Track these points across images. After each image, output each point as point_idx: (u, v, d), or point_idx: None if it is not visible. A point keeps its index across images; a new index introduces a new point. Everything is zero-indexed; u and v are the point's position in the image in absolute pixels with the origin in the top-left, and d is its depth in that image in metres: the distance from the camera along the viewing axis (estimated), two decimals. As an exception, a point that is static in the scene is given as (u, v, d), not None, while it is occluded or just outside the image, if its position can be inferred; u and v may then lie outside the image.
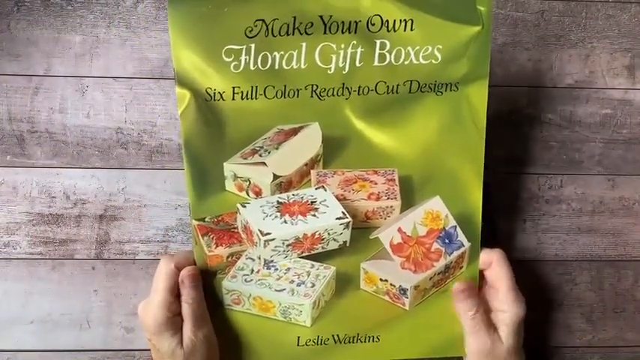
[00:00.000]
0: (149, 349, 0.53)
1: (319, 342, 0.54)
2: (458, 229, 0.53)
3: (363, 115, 0.51)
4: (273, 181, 0.52)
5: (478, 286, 0.54)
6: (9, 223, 0.63)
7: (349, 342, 0.54)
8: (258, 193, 0.53)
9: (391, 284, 0.53)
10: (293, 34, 0.49)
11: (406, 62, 0.50)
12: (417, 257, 0.53)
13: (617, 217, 0.66)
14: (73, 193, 0.63)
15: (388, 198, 0.53)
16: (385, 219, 0.53)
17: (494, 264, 0.52)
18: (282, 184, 0.53)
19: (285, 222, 0.51)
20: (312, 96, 0.50)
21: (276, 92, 0.50)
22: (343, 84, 0.50)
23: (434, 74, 0.50)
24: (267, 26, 0.48)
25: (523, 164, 0.65)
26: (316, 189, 0.53)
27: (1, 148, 0.63)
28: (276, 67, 0.49)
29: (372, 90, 0.50)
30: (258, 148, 0.51)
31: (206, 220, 0.52)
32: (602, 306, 0.65)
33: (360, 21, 0.49)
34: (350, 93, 0.50)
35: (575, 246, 0.65)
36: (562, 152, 0.65)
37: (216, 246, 0.52)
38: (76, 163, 0.63)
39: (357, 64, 0.50)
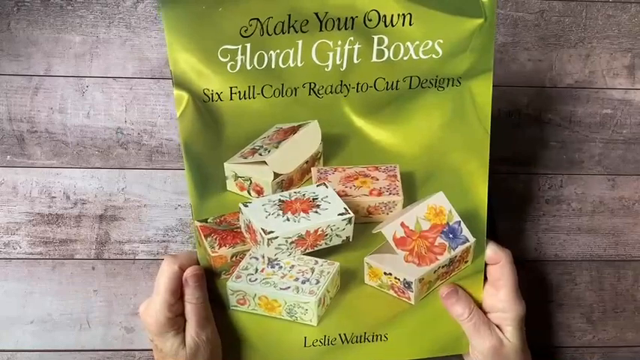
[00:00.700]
0: (149, 349, 0.52)
1: (326, 342, 0.53)
2: (462, 224, 0.52)
3: (362, 112, 0.50)
4: (274, 179, 0.52)
5: (483, 279, 0.53)
6: (9, 223, 0.63)
7: (356, 341, 0.53)
8: (259, 192, 0.53)
9: (395, 278, 0.52)
10: (288, 32, 0.48)
11: (405, 58, 0.49)
12: (420, 250, 0.52)
13: (617, 217, 0.65)
14: (73, 193, 0.63)
15: (390, 193, 0.52)
16: (387, 214, 0.53)
17: (501, 263, 0.52)
18: (284, 183, 0.53)
19: (288, 220, 0.51)
20: (310, 94, 0.49)
21: (274, 91, 0.49)
22: (341, 81, 0.49)
23: (435, 69, 0.49)
24: (262, 25, 0.47)
25: (523, 164, 0.65)
26: (318, 186, 0.53)
27: (1, 148, 0.63)
28: (273, 65, 0.48)
29: (370, 87, 0.50)
30: (257, 147, 0.51)
31: (208, 221, 0.52)
32: (602, 306, 0.65)
33: (356, 17, 0.48)
34: (348, 90, 0.49)
35: (575, 246, 0.65)
36: (562, 152, 0.65)
37: (220, 246, 0.52)
38: (76, 163, 0.63)
39: (355, 61, 0.49)
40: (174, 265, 0.50)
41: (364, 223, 0.53)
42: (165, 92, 0.63)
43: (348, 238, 0.52)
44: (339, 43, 0.48)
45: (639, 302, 0.65)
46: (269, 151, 0.51)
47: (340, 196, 0.52)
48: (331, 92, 0.49)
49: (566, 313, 0.65)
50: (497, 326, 0.53)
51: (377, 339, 0.54)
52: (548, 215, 0.65)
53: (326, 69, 0.49)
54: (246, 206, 0.51)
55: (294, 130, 0.51)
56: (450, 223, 0.53)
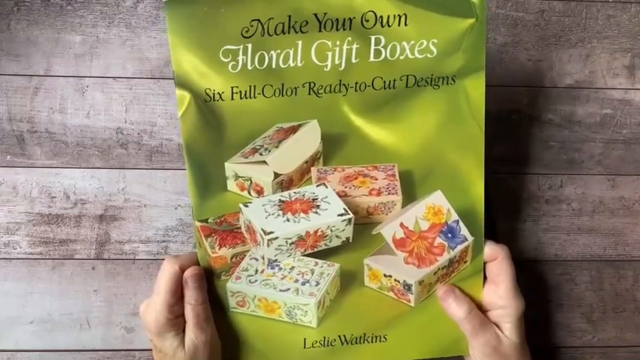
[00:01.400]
0: (149, 349, 0.52)
1: (326, 343, 0.53)
2: (460, 223, 0.52)
3: (361, 111, 0.50)
4: (274, 179, 0.52)
5: (483, 279, 0.53)
6: (9, 223, 0.63)
7: (356, 342, 0.53)
8: (259, 192, 0.52)
9: (395, 280, 0.52)
10: (289, 33, 0.48)
11: (402, 57, 0.49)
12: (420, 252, 0.52)
13: (617, 217, 0.65)
14: (73, 193, 0.63)
15: (389, 193, 0.52)
16: (387, 214, 0.53)
17: (499, 259, 0.52)
18: (284, 183, 0.53)
19: (288, 220, 0.51)
20: (309, 93, 0.50)
21: (274, 91, 0.49)
22: (340, 81, 0.49)
23: (430, 68, 0.50)
24: (262, 26, 0.48)
25: (523, 164, 0.65)
26: (317, 186, 0.52)
27: (1, 148, 0.62)
28: (273, 66, 0.49)
29: (369, 86, 0.50)
30: (258, 147, 0.51)
31: (209, 221, 0.51)
32: (602, 306, 0.65)
33: (354, 17, 0.48)
34: (347, 89, 0.50)
35: (575, 246, 0.65)
36: (562, 152, 0.65)
37: (220, 247, 0.51)
38: (76, 163, 0.63)
39: (353, 61, 0.49)
40: (175, 266, 0.49)
41: (364, 223, 0.53)
42: (165, 92, 0.63)
43: (347, 239, 0.52)
44: (338, 43, 0.49)
45: (639, 302, 0.65)
46: (269, 151, 0.51)
47: (340, 196, 0.52)
48: (330, 92, 0.50)
49: (566, 313, 0.65)
50: (496, 324, 0.52)
51: (376, 340, 0.53)
52: (548, 215, 0.65)
53: (325, 69, 0.49)
54: (247, 206, 0.51)
55: (294, 130, 0.51)
56: (449, 222, 0.52)
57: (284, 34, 0.48)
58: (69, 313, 0.63)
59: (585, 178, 0.65)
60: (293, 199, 0.52)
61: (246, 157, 0.51)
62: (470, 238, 0.52)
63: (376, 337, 0.53)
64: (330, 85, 0.50)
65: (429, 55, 0.50)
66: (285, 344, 0.53)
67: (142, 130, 0.63)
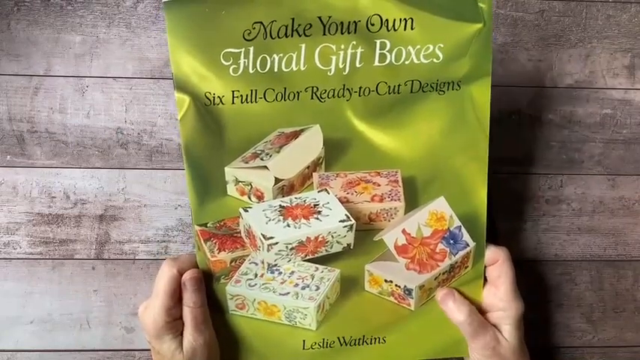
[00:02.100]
0: (149, 350, 0.52)
1: (325, 345, 0.53)
2: (463, 229, 0.52)
3: (364, 117, 0.50)
4: (275, 184, 0.51)
5: (483, 283, 0.53)
6: (9, 223, 0.62)
7: (355, 344, 0.53)
8: (260, 197, 0.52)
9: (396, 285, 0.52)
10: (292, 36, 0.47)
11: (407, 62, 0.49)
12: (421, 258, 0.52)
13: (617, 217, 0.65)
14: (73, 193, 0.63)
15: (392, 199, 0.52)
16: (389, 221, 0.53)
17: (499, 261, 0.51)
18: (285, 188, 0.52)
19: (289, 226, 0.50)
20: (312, 98, 0.49)
21: (276, 95, 0.48)
22: (344, 85, 0.49)
23: (435, 73, 0.49)
24: (265, 28, 0.47)
25: (523, 164, 0.64)
26: (319, 192, 0.52)
27: (1, 148, 0.62)
28: (276, 69, 0.48)
29: (373, 91, 0.49)
30: (259, 152, 0.50)
31: (208, 225, 0.51)
32: (602, 306, 0.65)
33: (359, 21, 0.47)
34: (351, 94, 0.49)
35: (575, 246, 0.65)
36: (562, 152, 0.65)
37: (219, 251, 0.51)
38: (76, 163, 0.63)
39: (358, 65, 0.48)
40: (174, 269, 0.49)
41: (365, 230, 0.52)
42: (165, 92, 0.63)
43: (349, 245, 0.52)
44: (342, 47, 0.48)
45: (639, 302, 0.65)
46: (270, 156, 0.50)
47: (342, 202, 0.51)
48: (334, 96, 0.49)
49: (566, 313, 0.64)
50: (496, 326, 0.52)
51: (375, 342, 0.53)
52: (548, 215, 0.65)
53: (329, 73, 0.48)
54: (247, 211, 0.51)
55: (296, 135, 0.50)
56: (451, 229, 0.52)
57: (287, 37, 0.47)
58: (69, 313, 0.62)
59: (585, 178, 0.65)
60: (294, 204, 0.51)
61: (247, 162, 0.50)
62: (472, 244, 0.52)
63: (375, 338, 0.53)
64: (334, 90, 0.49)
65: (434, 60, 0.49)
66: (284, 345, 0.53)
67: (142, 130, 0.63)
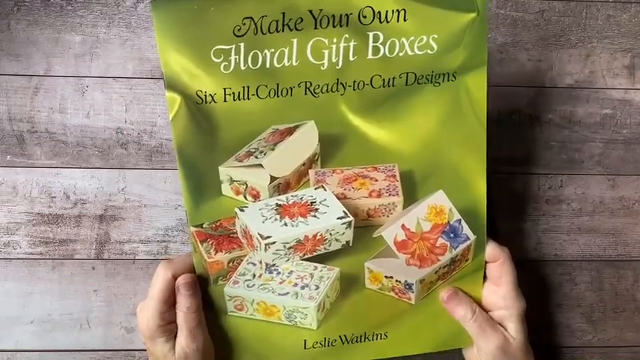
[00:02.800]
0: (148, 349, 0.52)
1: (326, 344, 0.52)
2: (463, 222, 0.51)
3: (359, 111, 0.49)
4: (270, 183, 0.50)
5: (483, 276, 0.53)
6: (9, 223, 0.62)
7: (357, 341, 0.52)
8: (255, 196, 0.51)
9: (397, 280, 0.51)
10: (283, 31, 0.46)
11: (401, 54, 0.48)
12: (422, 253, 0.51)
13: (617, 217, 0.65)
14: (73, 193, 0.62)
15: (390, 194, 0.51)
16: (388, 216, 0.52)
17: (501, 261, 0.51)
18: (280, 186, 0.51)
19: (286, 224, 0.49)
20: (305, 93, 0.48)
21: (269, 91, 0.47)
22: (337, 79, 0.48)
23: (430, 65, 0.48)
24: (255, 24, 0.46)
25: (523, 164, 0.64)
26: (315, 189, 0.51)
27: (1, 148, 0.62)
28: (268, 65, 0.47)
29: (367, 84, 0.48)
30: (253, 150, 0.49)
31: (204, 226, 0.50)
32: (602, 306, 0.64)
33: (351, 14, 0.46)
34: (345, 88, 0.48)
35: (575, 246, 0.64)
36: (562, 152, 0.64)
37: (216, 252, 0.50)
38: (76, 163, 0.62)
39: (351, 59, 0.47)
40: (169, 272, 0.48)
41: (364, 226, 0.52)
42: (165, 92, 0.63)
43: (347, 242, 0.51)
44: (335, 40, 0.47)
45: (639, 302, 0.64)
46: (265, 154, 0.49)
47: (339, 198, 0.51)
48: (327, 91, 0.48)
49: (566, 313, 0.64)
50: (500, 324, 0.52)
51: (377, 338, 0.53)
52: (548, 215, 0.64)
53: (322, 67, 0.47)
54: (243, 211, 0.50)
55: (290, 132, 0.49)
56: (451, 222, 0.51)
57: (278, 32, 0.46)
58: (69, 313, 0.62)
59: (585, 178, 0.64)
60: (290, 202, 0.50)
61: (241, 161, 0.49)
62: (472, 237, 0.51)
63: (377, 334, 0.53)
64: (327, 85, 0.48)
65: (429, 52, 0.48)
66: (285, 346, 0.52)
67: (142, 130, 0.62)
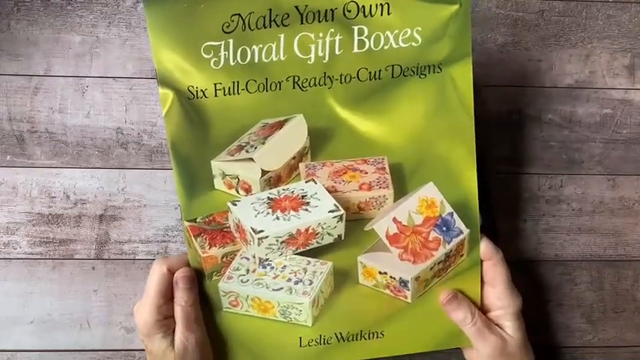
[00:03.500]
0: (149, 350, 0.51)
1: (322, 342, 0.52)
2: (455, 215, 0.51)
3: (347, 104, 0.49)
4: (262, 176, 0.51)
5: (480, 272, 0.52)
6: (9, 223, 0.62)
7: (352, 340, 0.52)
8: (247, 190, 0.51)
9: (391, 277, 0.51)
10: (270, 27, 0.47)
11: (386, 47, 0.48)
12: (415, 247, 0.51)
13: (617, 217, 0.64)
14: (73, 193, 0.62)
15: (380, 187, 0.51)
16: (378, 209, 0.52)
17: (493, 261, 0.51)
18: (272, 180, 0.51)
19: (278, 218, 0.49)
20: (294, 87, 0.49)
21: (258, 86, 0.48)
22: (324, 73, 0.48)
23: (415, 57, 0.49)
24: (243, 20, 0.47)
25: (523, 164, 0.64)
26: (306, 182, 0.51)
27: (1, 148, 0.61)
28: (256, 60, 0.48)
29: (354, 77, 0.49)
30: (244, 144, 0.50)
31: (197, 220, 0.50)
32: (602, 306, 0.64)
33: (336, 8, 0.47)
34: (332, 82, 0.49)
35: (575, 246, 0.64)
36: (562, 152, 0.64)
37: (210, 246, 0.50)
38: (76, 163, 0.62)
39: (337, 52, 0.48)
40: (164, 267, 0.49)
41: (355, 220, 0.52)
42: (165, 92, 0.62)
43: (339, 236, 0.51)
44: (321, 35, 0.48)
45: (639, 302, 0.64)
46: (255, 148, 0.50)
47: (330, 191, 0.51)
48: (315, 85, 0.49)
49: (566, 313, 0.64)
50: (498, 325, 0.52)
51: (373, 336, 0.52)
52: (548, 215, 0.64)
53: (309, 62, 0.48)
54: (235, 205, 0.50)
55: (280, 125, 0.50)
56: (443, 215, 0.51)
57: (265, 28, 0.47)
58: (69, 313, 0.62)
59: (585, 178, 0.64)
60: (282, 196, 0.50)
61: (233, 155, 0.49)
62: (465, 231, 0.51)
63: (373, 333, 0.52)
64: (315, 78, 0.49)
65: (413, 44, 0.49)
66: (280, 344, 0.52)
67: (142, 130, 0.62)
